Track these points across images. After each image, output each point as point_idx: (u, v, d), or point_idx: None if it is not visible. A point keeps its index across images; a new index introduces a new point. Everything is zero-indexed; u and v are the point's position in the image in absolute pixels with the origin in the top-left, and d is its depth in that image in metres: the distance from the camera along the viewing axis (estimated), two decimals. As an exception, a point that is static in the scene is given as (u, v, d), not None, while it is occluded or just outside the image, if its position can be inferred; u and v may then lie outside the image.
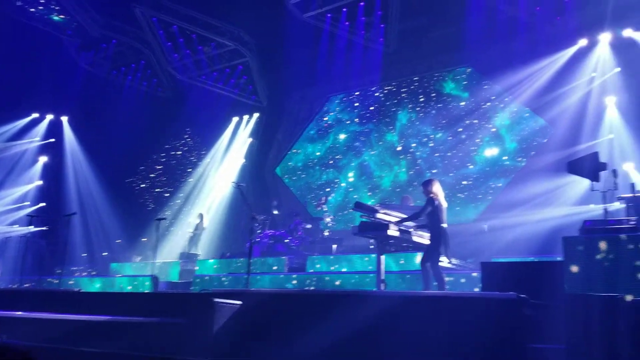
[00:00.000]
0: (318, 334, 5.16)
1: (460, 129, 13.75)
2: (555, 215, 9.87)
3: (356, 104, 15.80)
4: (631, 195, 7.29)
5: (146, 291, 10.95)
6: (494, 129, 13.35)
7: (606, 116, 11.75)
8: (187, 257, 13.22)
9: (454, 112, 13.89)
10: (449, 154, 13.82)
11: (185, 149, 18.99)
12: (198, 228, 14.09)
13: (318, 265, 10.96)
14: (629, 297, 4.98)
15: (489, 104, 13.41)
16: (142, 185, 19.33)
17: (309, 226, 12.66)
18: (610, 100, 11.81)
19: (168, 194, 18.53)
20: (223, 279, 11.07)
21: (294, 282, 10.06)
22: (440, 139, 14.10)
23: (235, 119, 17.68)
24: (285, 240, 12.56)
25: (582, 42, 12.07)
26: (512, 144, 13.08)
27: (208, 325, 5.90)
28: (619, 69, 11.75)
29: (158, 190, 18.97)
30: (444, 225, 7.54)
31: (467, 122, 13.64)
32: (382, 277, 7.83)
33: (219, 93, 17.37)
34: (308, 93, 16.35)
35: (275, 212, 13.77)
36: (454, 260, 8.13)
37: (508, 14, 12.18)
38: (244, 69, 16.81)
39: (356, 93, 15.81)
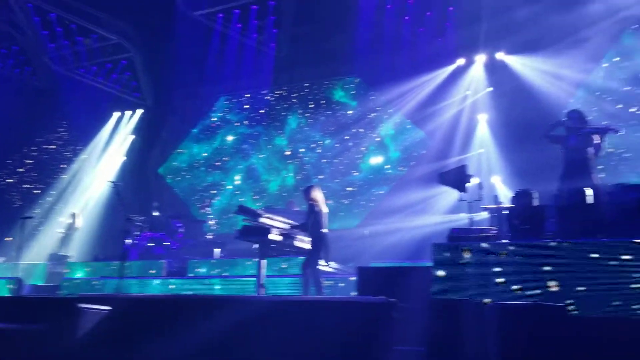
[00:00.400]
0: (188, 339, 5.01)
1: (347, 137, 14.14)
2: (429, 223, 10.46)
3: (246, 106, 15.67)
4: (494, 206, 7.87)
5: (6, 295, 10.02)
6: (378, 138, 13.89)
7: (477, 132, 12.74)
8: (57, 259, 12.29)
9: (341, 120, 14.26)
10: (335, 160, 14.16)
11: (60, 143, 17.70)
12: (70, 228, 13.16)
13: (199, 269, 10.67)
14: (487, 301, 5.38)
15: (374, 114, 13.94)
16: (8, 181, 17.72)
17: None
18: (482, 117, 12.83)
19: (38, 191, 17.15)
20: (95, 282, 10.41)
21: (172, 286, 9.71)
22: (328, 145, 14.40)
23: (116, 115, 16.79)
24: (165, 243, 12.10)
25: (460, 62, 12.96)
26: (395, 153, 13.70)
27: (71, 332, 5.49)
28: (490, 89, 12.76)
29: (27, 186, 17.49)
30: (325, 230, 7.66)
31: (354, 130, 14.07)
32: (262, 281, 7.79)
33: (99, 87, 16.39)
34: (196, 92, 15.94)
35: (156, 213, 13.21)
36: (333, 265, 8.29)
37: (394, 31, 12.77)
38: (127, 64, 16.01)
39: (246, 95, 15.69)
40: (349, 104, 14.38)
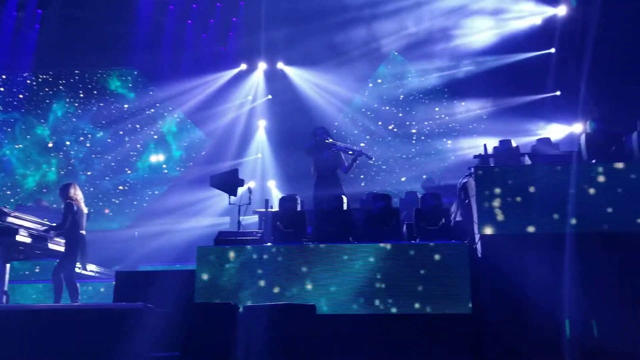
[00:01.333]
0: None
1: (122, 132, 13.33)
2: (202, 225, 10.42)
3: (0, 89, 13.72)
4: (263, 209, 8.16)
5: None
6: (156, 136, 13.40)
7: (256, 137, 13.10)
8: None
9: (116, 113, 13.37)
10: (107, 156, 13.22)
11: None
12: None
13: None
14: (248, 304, 5.52)
15: (152, 110, 13.40)
16: None
17: None
18: (261, 123, 13.26)
19: None
20: None
21: None
22: (99, 139, 13.38)
23: None
24: None
25: (243, 67, 13.18)
26: (174, 152, 13.38)
27: None
28: (270, 97, 13.26)
29: None
30: (82, 232, 7.07)
31: (130, 125, 13.33)
32: (5, 288, 6.88)
33: None
34: None
35: None
36: (94, 268, 7.72)
37: (176, 31, 12.51)
38: None
39: (2, 76, 13.73)
40: (126, 96, 13.58)
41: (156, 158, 13.37)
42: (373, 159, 8.04)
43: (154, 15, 12.26)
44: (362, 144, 12.26)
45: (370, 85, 13.47)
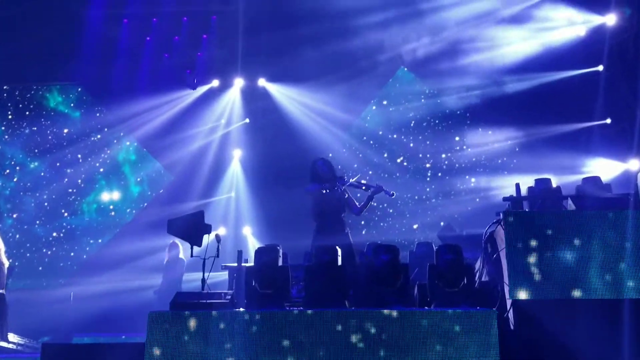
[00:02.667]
0: None
1: (60, 163, 13.25)
2: (156, 283, 10.27)
3: None
4: (236, 264, 8.02)
5: None
6: (102, 169, 13.33)
7: (230, 171, 13.13)
8: None
9: (54, 139, 13.32)
10: (41, 194, 13.09)
11: None
12: None
13: None
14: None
15: (99, 136, 13.34)
16: None
17: None
18: (236, 153, 13.26)
19: None
20: None
21: None
22: (32, 171, 13.27)
23: None
24: None
25: (214, 83, 13.24)
26: (135, 188, 13.36)
27: None
28: (247, 120, 13.30)
29: None
30: (2, 291, 6.92)
31: (70, 155, 13.24)
32: None
33: None
34: None
35: None
36: (15, 339, 7.56)
37: (132, 46, 12.62)
38: None
39: None
40: (69, 116, 13.57)
41: (109, 196, 13.28)
42: (394, 195, 7.93)
43: (104, 29, 12.42)
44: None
45: (374, 107, 13.57)
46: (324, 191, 7.57)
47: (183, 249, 10.10)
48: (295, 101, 13.09)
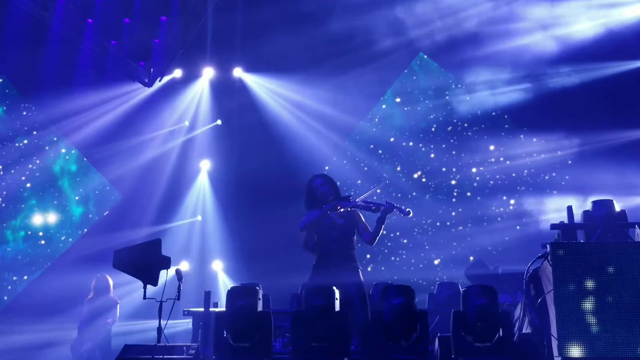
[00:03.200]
0: None
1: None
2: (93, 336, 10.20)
3: None
4: (202, 309, 8.00)
5: None
6: (29, 184, 13.28)
7: (195, 188, 13.10)
8: None
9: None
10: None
11: None
12: None
13: None
14: None
15: (25, 141, 13.31)
16: None
17: None
18: (204, 165, 13.28)
19: None
20: None
21: None
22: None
23: None
24: None
25: (176, 74, 13.19)
26: (77, 209, 13.30)
27: None
28: (219, 122, 13.31)
29: None
30: None
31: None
32: None
33: None
34: None
35: None
36: None
37: (66, 27, 12.57)
38: None
39: None
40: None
41: (42, 219, 13.21)
42: (411, 214, 7.85)
43: (33, 7, 12.33)
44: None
45: (384, 107, 13.64)
46: (326, 220, 7.56)
47: (140, 287, 9.98)
48: (280, 97, 13.15)
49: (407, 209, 7.56)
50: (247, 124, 13.23)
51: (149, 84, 12.73)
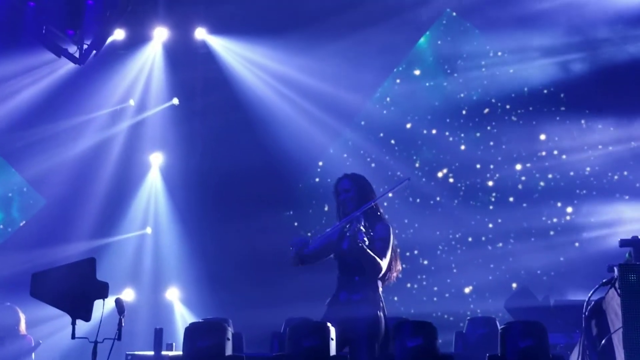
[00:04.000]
0: None
1: None
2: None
3: None
4: (151, 354, 8.04)
5: None
6: None
7: (144, 188, 13.10)
8: None
9: None
10: None
11: None
12: None
13: None
14: None
15: None
16: None
17: None
18: (155, 159, 13.29)
19: None
20: None
21: None
22: None
23: None
24: None
25: (118, 35, 13.12)
26: None
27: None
28: (176, 101, 13.30)
29: None
30: None
31: None
32: None
33: None
34: None
35: None
36: None
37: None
38: None
39: None
40: None
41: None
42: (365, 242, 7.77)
43: None
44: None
45: (398, 82, 13.65)
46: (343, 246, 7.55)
47: (68, 323, 9.92)
48: (258, 68, 13.16)
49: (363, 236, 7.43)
50: (213, 104, 13.32)
51: (81, 61, 12.53)
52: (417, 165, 13.36)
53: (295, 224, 13.14)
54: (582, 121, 12.98)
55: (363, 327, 7.18)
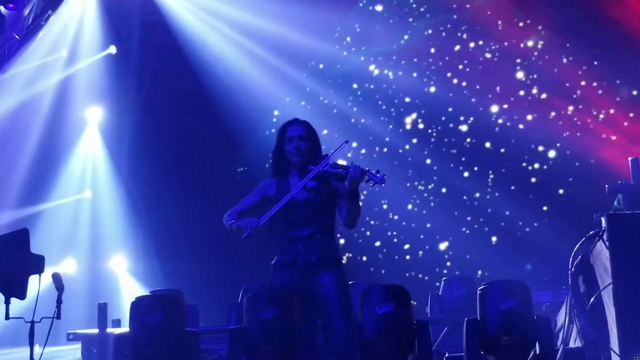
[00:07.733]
0: None
1: None
2: None
3: None
4: (95, 331, 8.04)
5: None
6: None
7: (80, 149, 13.06)
8: None
9: None
10: None
11: None
12: None
13: None
14: None
15: None
16: None
17: None
18: (93, 114, 13.21)
19: None
20: None
21: None
22: None
23: None
24: None
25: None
26: None
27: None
28: (114, 49, 13.23)
29: None
30: None
31: None
32: None
33: None
34: None
35: None
36: None
37: None
38: None
39: None
40: None
41: None
42: (384, 183, 7.70)
43: None
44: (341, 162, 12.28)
45: (358, 19, 13.62)
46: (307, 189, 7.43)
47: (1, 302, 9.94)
48: (202, 9, 13.04)
49: (381, 174, 7.35)
50: (154, 51, 13.27)
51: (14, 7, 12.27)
52: (382, 109, 13.33)
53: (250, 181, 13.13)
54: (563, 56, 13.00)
55: (332, 290, 7.14)
